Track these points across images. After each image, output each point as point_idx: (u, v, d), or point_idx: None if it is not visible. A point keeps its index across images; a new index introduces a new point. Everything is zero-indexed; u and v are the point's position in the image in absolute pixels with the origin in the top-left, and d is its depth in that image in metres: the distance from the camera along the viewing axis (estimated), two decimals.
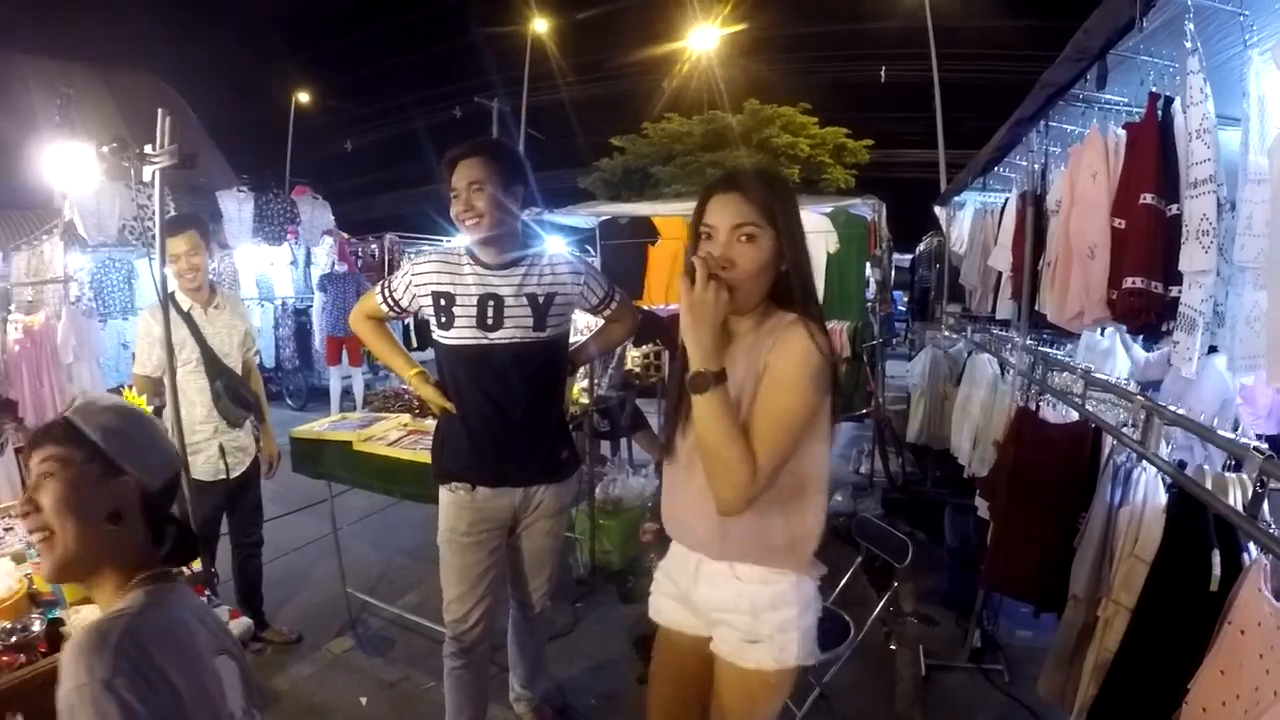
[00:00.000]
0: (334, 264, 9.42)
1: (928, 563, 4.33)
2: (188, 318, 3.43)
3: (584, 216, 7.74)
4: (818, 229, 6.29)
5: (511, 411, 2.50)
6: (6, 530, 2.45)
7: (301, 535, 4.83)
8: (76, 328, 5.63)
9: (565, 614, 3.93)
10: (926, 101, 16.23)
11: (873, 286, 6.73)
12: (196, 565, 2.09)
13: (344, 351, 9.00)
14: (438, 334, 2.54)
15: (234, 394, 3.51)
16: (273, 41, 21.37)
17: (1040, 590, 2.93)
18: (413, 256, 4.03)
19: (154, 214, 2.63)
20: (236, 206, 8.29)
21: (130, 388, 3.52)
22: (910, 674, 3.47)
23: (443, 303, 2.48)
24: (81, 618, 1.84)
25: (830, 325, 6.54)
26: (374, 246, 11.03)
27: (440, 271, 2.51)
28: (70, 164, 2.70)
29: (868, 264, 6.61)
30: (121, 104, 12.41)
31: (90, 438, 1.30)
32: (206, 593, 2.18)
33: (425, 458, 2.97)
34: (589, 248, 8.15)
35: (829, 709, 3.04)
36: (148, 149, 2.43)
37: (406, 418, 3.90)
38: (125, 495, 1.31)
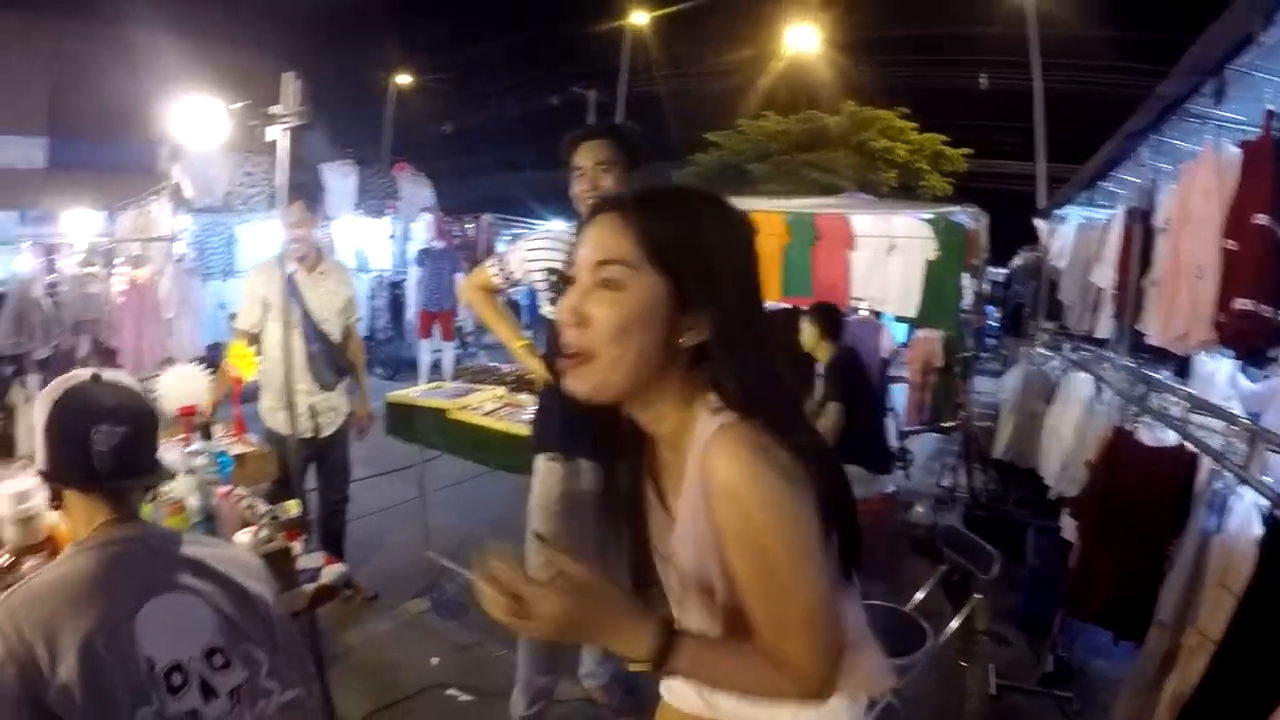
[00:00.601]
0: (431, 240, 9.66)
1: (1005, 582, 4.22)
2: (291, 282, 3.58)
3: None
4: (917, 235, 6.18)
5: None
6: None
7: (389, 498, 4.93)
8: (180, 284, 5.92)
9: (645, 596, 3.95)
10: (1023, 111, 15.68)
11: (969, 297, 6.60)
12: (294, 510, 2.20)
13: (436, 325, 9.17)
14: (546, 310, 2.67)
15: (328, 359, 3.68)
16: (376, 21, 21.83)
17: (1122, 616, 2.83)
18: (517, 237, 4.12)
19: (276, 175, 2.76)
20: (340, 179, 8.53)
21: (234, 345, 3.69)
22: (979, 692, 3.39)
23: (555, 278, 2.60)
24: None
25: (923, 334, 6.44)
26: (470, 226, 11.23)
27: (555, 250, 2.63)
28: (199, 118, 2.84)
29: (965, 274, 6.48)
30: (233, 77, 12.89)
31: None
32: (303, 537, 2.29)
33: (519, 429, 3.16)
34: None
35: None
36: (274, 109, 2.55)
37: (501, 390, 4.03)
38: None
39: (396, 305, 10.22)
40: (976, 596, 2.97)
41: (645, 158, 2.59)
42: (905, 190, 16.93)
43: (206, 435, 2.60)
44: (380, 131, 22.39)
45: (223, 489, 2.15)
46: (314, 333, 3.65)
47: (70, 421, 1.44)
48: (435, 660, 3.39)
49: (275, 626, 1.50)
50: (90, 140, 11.67)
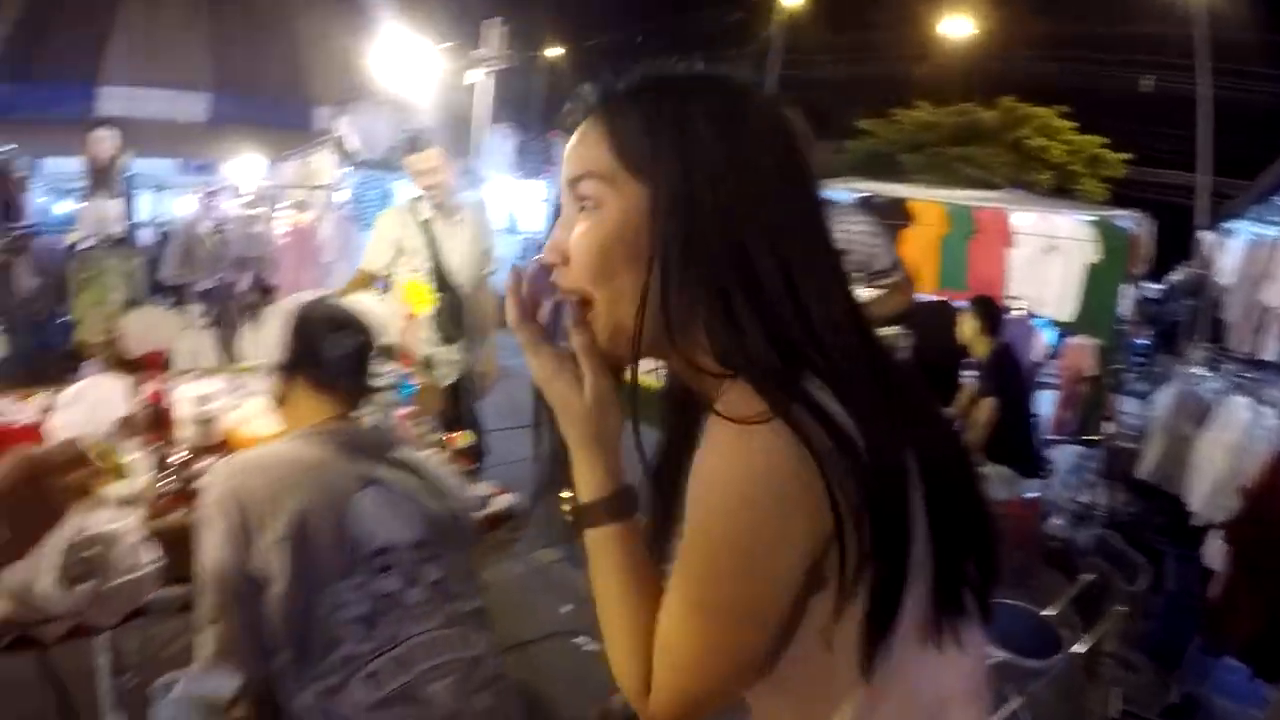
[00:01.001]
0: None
1: (1137, 608, 4.05)
2: (425, 226, 3.60)
3: (841, 190, 7.57)
4: (1078, 236, 5.98)
5: None
6: None
7: (528, 450, 4.93)
8: (340, 230, 6.16)
9: None
10: (1184, 118, 14.74)
11: (1128, 306, 6.29)
12: (467, 440, 2.24)
13: None
14: None
15: (451, 313, 3.68)
16: None
17: (1265, 652, 2.75)
18: None
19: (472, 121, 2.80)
20: (499, 141, 8.65)
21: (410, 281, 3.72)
22: (1100, 713, 3.27)
23: None
24: None
25: (1076, 341, 6.17)
26: None
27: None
28: (402, 56, 2.91)
29: (1126, 282, 6.18)
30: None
31: None
32: (475, 465, 2.33)
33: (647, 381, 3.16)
34: None
35: None
36: (477, 52, 2.60)
37: None
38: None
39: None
40: (1118, 609, 2.89)
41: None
42: (1062, 194, 16.35)
43: (391, 357, 2.68)
44: (535, 99, 22.89)
45: (402, 411, 2.20)
46: (441, 283, 3.65)
47: (313, 325, 1.64)
48: (567, 608, 3.40)
49: (469, 539, 1.67)
50: (250, 96, 12.22)
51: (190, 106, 12.59)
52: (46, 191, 11.03)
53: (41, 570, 1.24)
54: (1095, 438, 6.07)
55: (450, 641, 1.46)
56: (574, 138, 0.89)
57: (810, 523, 0.74)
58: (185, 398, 2.05)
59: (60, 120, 12.24)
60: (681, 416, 1.01)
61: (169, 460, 1.94)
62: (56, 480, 1.04)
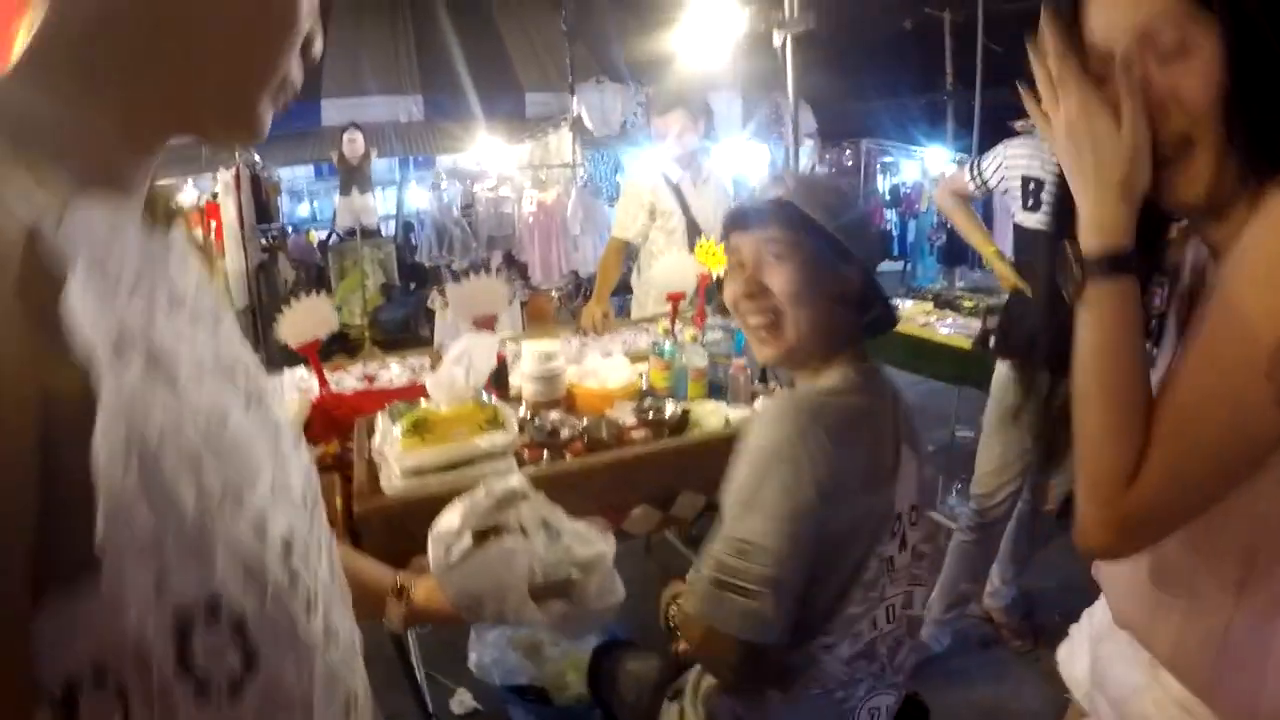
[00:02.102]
0: (814, 166, 9.83)
1: None
2: (676, 189, 3.65)
3: None
4: None
5: None
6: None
7: None
8: (584, 205, 6.43)
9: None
10: None
11: None
12: None
13: None
14: (1020, 216, 2.70)
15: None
16: None
17: None
18: (887, 166, 3.94)
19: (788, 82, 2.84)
20: (726, 106, 8.63)
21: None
22: None
23: (1031, 186, 2.61)
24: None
25: None
26: (848, 152, 11.21)
27: (1032, 157, 2.62)
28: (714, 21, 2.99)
29: None
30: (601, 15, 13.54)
31: (821, 223, 1.27)
32: None
33: (956, 340, 3.53)
34: None
35: None
36: (779, 14, 2.63)
37: (929, 305, 4.18)
38: (850, 280, 1.32)
39: None
40: None
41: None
42: None
43: (724, 312, 2.78)
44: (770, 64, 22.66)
45: (738, 361, 2.25)
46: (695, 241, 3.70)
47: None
48: None
49: (934, 500, 1.50)
50: (461, 93, 12.73)
51: (408, 108, 13.37)
52: (287, 194, 12.08)
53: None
54: None
55: (908, 601, 1.38)
56: None
57: None
58: (532, 354, 2.18)
59: (292, 133, 13.36)
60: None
61: (522, 415, 2.09)
62: None
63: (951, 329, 3.77)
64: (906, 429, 1.35)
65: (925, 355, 3.76)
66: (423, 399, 1.87)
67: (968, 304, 4.02)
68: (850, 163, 11.04)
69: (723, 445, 1.39)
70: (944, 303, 4.18)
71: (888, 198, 11.80)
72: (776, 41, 2.72)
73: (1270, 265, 0.74)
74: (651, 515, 1.90)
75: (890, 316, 1.41)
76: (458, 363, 1.77)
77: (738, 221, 1.36)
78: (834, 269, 1.30)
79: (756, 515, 1.17)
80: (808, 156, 9.96)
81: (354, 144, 6.56)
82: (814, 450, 1.16)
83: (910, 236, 9.72)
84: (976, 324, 3.57)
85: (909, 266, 10.57)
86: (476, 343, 1.81)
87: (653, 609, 1.52)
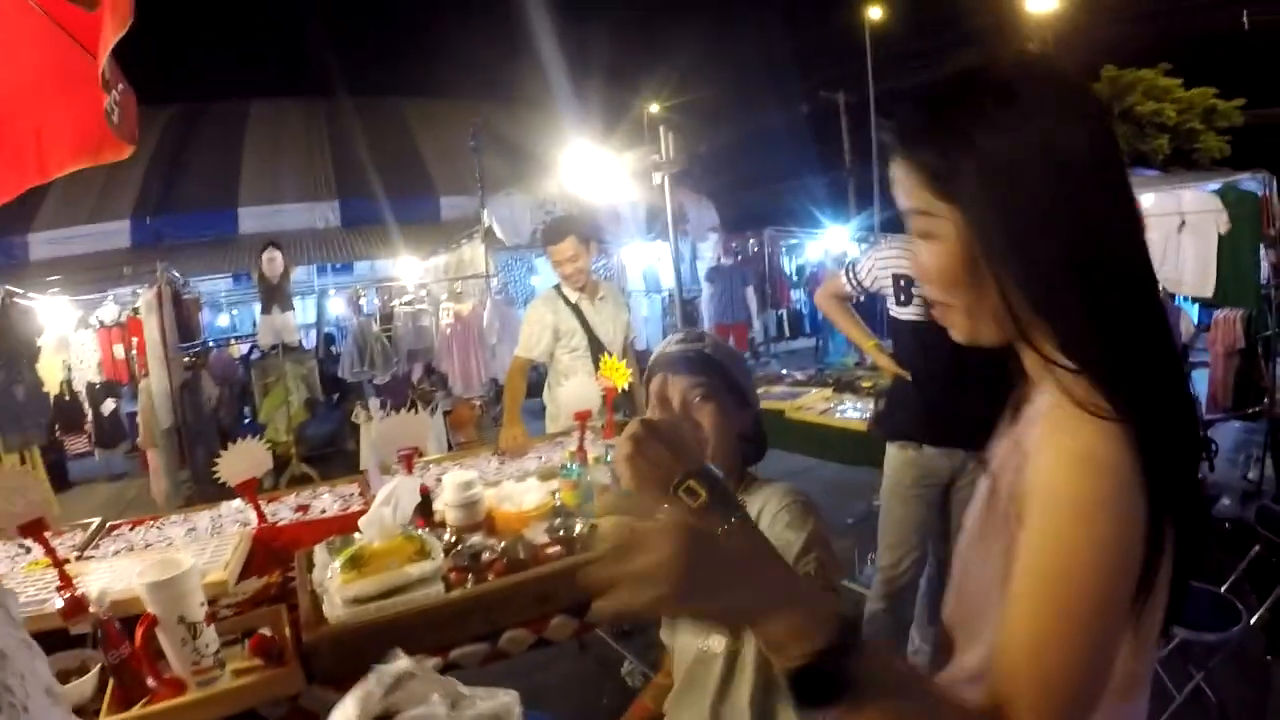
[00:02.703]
0: (719, 259, 10.25)
1: None
2: (575, 309, 4.00)
3: None
4: (1206, 208, 5.95)
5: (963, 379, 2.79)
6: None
7: None
8: (499, 314, 6.73)
9: None
10: None
11: (1265, 269, 6.19)
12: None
13: (731, 338, 9.78)
14: (895, 310, 3.01)
15: None
16: (626, 54, 22.84)
17: None
18: (793, 248, 4.34)
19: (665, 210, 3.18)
20: (630, 208, 9.06)
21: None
22: None
23: (902, 283, 2.93)
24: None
25: (1223, 314, 6.11)
26: (752, 241, 11.76)
27: (900, 256, 2.96)
28: (594, 167, 3.33)
29: (1261, 245, 6.09)
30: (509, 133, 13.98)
31: (732, 373, 1.66)
32: None
33: (853, 424, 3.80)
34: None
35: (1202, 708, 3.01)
36: (655, 158, 2.98)
37: (828, 391, 4.57)
38: (746, 421, 1.68)
39: (690, 322, 10.79)
40: None
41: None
42: (1180, 156, 15.70)
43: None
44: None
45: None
46: (600, 354, 3.92)
47: None
48: None
49: None
50: (373, 199, 13.00)
51: (324, 214, 13.62)
52: (207, 307, 12.12)
53: None
54: (1254, 410, 5.98)
55: None
56: (895, 174, 0.93)
57: (1130, 526, 0.77)
58: (453, 483, 2.42)
59: (209, 241, 13.49)
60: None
61: (446, 540, 2.32)
62: None
63: (850, 412, 4.13)
64: None
65: (828, 441, 4.10)
66: (356, 534, 2.10)
67: (866, 384, 4.41)
68: (755, 249, 11.55)
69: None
70: (843, 386, 4.58)
71: (794, 278, 12.36)
72: (655, 181, 3.06)
73: (1048, 505, 0.80)
74: (569, 623, 2.10)
75: (763, 448, 1.76)
76: (386, 503, 2.02)
77: (668, 366, 1.67)
78: (740, 409, 1.66)
79: None
80: (712, 249, 10.45)
81: (273, 263, 6.76)
82: None
83: (819, 315, 10.26)
84: (873, 404, 3.92)
85: (820, 343, 11.08)
86: (402, 485, 2.06)
87: (592, 699, 1.73)
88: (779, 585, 0.76)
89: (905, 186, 0.91)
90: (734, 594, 0.73)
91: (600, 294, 4.14)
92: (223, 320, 13.88)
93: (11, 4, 2.16)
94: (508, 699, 1.18)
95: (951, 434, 2.83)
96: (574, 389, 3.16)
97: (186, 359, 7.55)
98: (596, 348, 4.01)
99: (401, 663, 1.20)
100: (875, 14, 18.61)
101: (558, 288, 4.06)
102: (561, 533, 2.29)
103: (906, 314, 2.99)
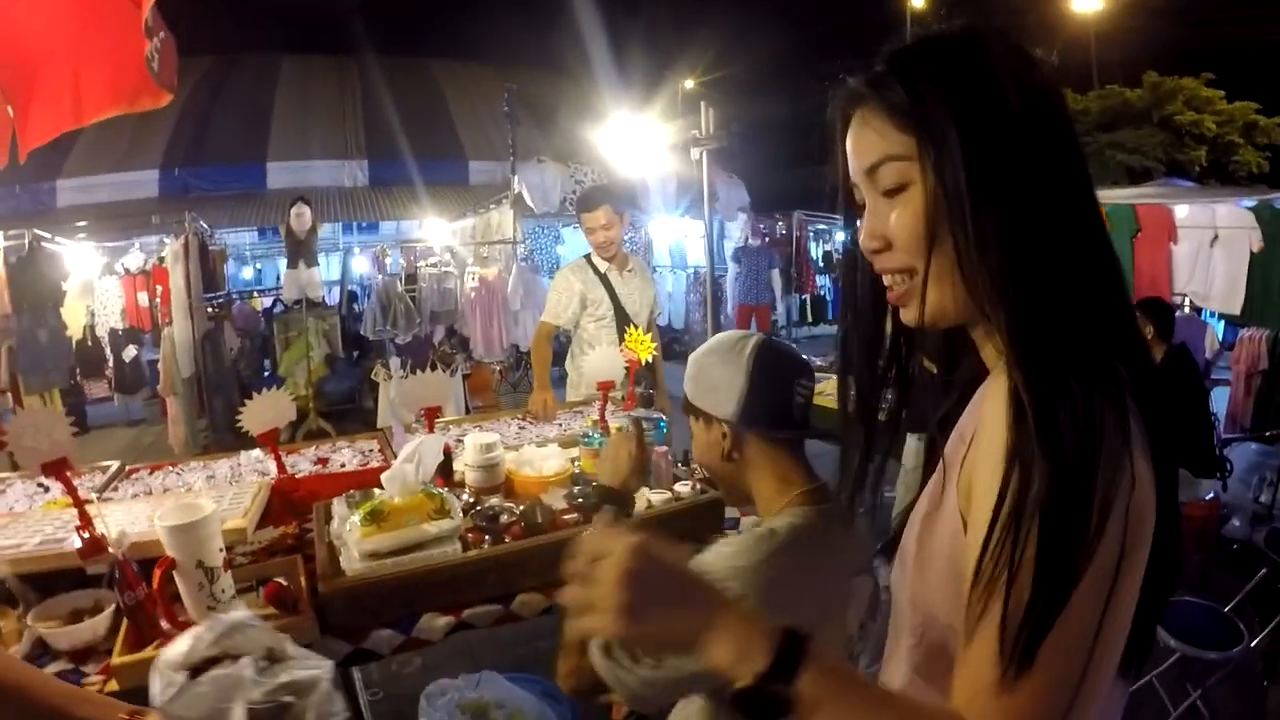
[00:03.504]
0: (747, 238, 10.19)
1: None
2: (604, 279, 3.97)
3: None
4: (1240, 224, 5.82)
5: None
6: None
7: None
8: (524, 281, 6.71)
9: None
10: None
11: None
12: None
13: (753, 319, 9.72)
14: None
15: None
16: (663, 26, 22.70)
17: None
18: (820, 232, 4.29)
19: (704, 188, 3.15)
20: (660, 184, 9.02)
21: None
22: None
23: None
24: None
25: (1248, 333, 6.01)
26: (780, 223, 11.68)
27: None
28: (633, 138, 3.31)
29: None
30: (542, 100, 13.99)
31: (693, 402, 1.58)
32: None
33: None
34: None
35: None
36: (695, 132, 2.95)
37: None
38: (726, 435, 1.53)
39: (716, 300, 10.79)
40: None
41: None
42: (1217, 168, 15.47)
43: (648, 403, 3.06)
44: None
45: (660, 448, 2.50)
46: (625, 326, 3.92)
47: (775, 374, 1.52)
48: None
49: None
50: (402, 160, 12.96)
51: (352, 173, 13.61)
52: (232, 259, 12.17)
53: None
54: (1272, 433, 5.90)
55: None
56: (853, 130, 0.89)
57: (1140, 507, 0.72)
58: (474, 444, 2.42)
59: (237, 195, 13.51)
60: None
61: (465, 500, 2.32)
62: None
63: None
64: (863, 559, 1.52)
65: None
66: (376, 489, 2.10)
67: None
68: (783, 232, 11.48)
69: (647, 525, 1.52)
70: None
71: (820, 264, 12.29)
72: (694, 156, 3.03)
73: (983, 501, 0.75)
74: None
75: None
76: (409, 459, 2.01)
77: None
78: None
79: None
80: (740, 229, 10.40)
81: (301, 218, 6.75)
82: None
83: None
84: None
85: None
86: (426, 443, 2.06)
87: None
88: (727, 621, 0.77)
89: (874, 132, 0.86)
90: (675, 620, 0.77)
91: (629, 266, 4.12)
92: (247, 273, 13.91)
93: None
94: (321, 672, 1.15)
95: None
96: (598, 359, 3.14)
97: (210, 309, 7.58)
98: (622, 319, 3.99)
99: (240, 613, 1.19)
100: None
101: (588, 257, 4.04)
102: (580, 500, 2.28)
103: None
